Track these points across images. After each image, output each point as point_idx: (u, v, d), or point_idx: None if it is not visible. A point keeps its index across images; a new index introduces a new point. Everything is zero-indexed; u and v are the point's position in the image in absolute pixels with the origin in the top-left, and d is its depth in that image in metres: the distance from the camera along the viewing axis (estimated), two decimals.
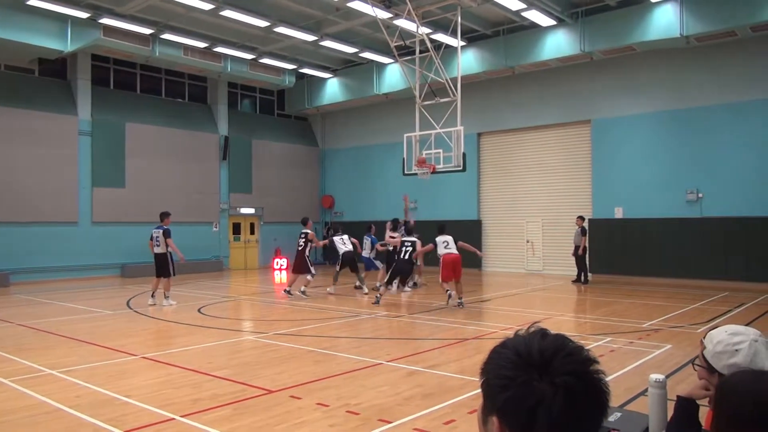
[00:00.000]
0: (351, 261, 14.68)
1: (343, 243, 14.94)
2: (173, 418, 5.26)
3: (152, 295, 13.01)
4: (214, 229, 23.00)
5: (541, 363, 1.03)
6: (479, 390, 1.10)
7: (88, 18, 17.20)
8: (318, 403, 5.66)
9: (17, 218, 17.87)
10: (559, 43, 17.99)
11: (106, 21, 17.38)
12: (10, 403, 5.83)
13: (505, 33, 19.10)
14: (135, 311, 12.22)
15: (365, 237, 16.10)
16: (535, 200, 20.47)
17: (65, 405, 5.67)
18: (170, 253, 12.83)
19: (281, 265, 23.50)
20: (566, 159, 19.87)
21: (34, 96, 18.79)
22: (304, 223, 14.74)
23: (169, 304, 12.74)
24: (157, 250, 12.82)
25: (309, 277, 14.11)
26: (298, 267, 14.19)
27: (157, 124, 21.42)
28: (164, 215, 13.10)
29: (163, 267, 12.75)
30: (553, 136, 20.21)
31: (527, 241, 20.65)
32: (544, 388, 1.00)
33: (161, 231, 12.86)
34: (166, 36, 18.82)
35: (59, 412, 5.51)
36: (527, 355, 1.05)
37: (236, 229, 24.09)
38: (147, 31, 18.31)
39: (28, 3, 15.99)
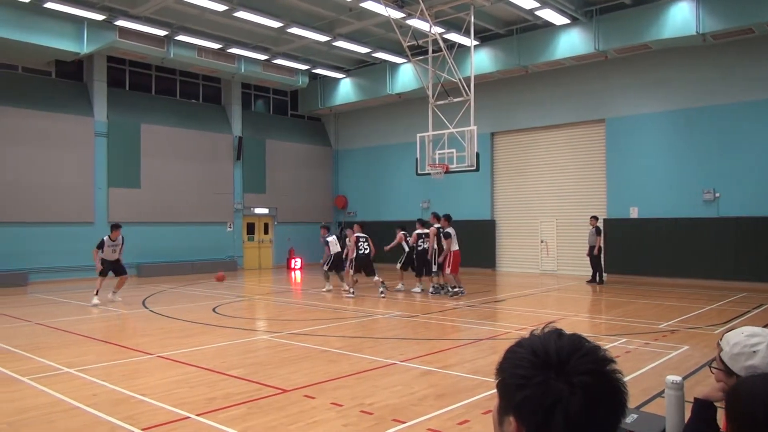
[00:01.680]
0: (338, 262, 15.13)
1: (335, 244, 15.18)
2: (188, 417, 5.29)
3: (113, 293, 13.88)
4: (228, 229, 23.13)
5: (557, 362, 1.03)
6: (494, 390, 1.10)
7: (103, 20, 17.37)
8: (332, 403, 5.67)
9: (34, 218, 18.09)
10: (573, 42, 17.87)
11: (121, 23, 17.56)
12: (28, 401, 5.91)
13: (519, 32, 19.02)
14: (150, 311, 12.33)
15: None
16: (549, 200, 20.36)
17: (82, 403, 5.72)
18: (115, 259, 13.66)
19: (295, 265, 23.60)
20: (580, 158, 19.73)
21: (51, 98, 19.02)
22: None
23: (93, 303, 13.08)
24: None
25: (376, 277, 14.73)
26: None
27: (172, 125, 21.59)
28: (112, 227, 13.92)
29: None
30: (567, 135, 20.09)
31: (541, 241, 20.55)
32: (561, 387, 1.00)
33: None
34: (181, 37, 18.97)
35: (76, 410, 5.56)
36: (544, 355, 1.04)
37: (250, 229, 24.21)
38: (161, 32, 18.46)
39: (45, 6, 16.19)
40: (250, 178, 23.89)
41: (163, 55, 19.35)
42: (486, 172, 20.56)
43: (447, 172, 16.03)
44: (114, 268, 13.65)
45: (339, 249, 15.13)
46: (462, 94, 16.21)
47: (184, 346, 8.54)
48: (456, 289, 14.04)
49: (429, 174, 16.49)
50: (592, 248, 17.08)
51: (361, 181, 25.99)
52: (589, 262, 17.37)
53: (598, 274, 17.10)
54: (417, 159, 16.79)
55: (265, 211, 24.41)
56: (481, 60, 19.37)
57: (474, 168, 15.69)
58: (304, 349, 8.27)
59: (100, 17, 17.15)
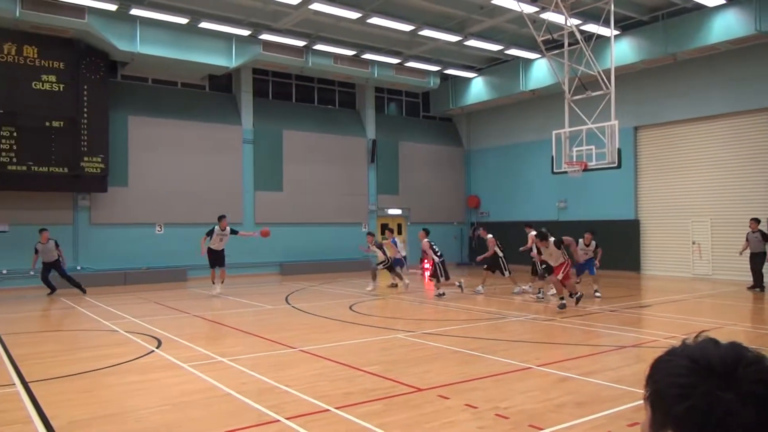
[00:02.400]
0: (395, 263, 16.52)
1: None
2: (328, 410, 5.51)
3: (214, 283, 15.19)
4: (363, 229, 23.83)
5: (723, 371, 0.95)
6: (640, 402, 1.02)
7: (249, 35, 18.72)
8: (466, 404, 5.63)
9: (192, 219, 19.85)
10: (729, 24, 16.28)
11: (265, 37, 18.83)
12: (189, 385, 6.50)
13: (665, 17, 17.68)
14: (293, 307, 13.04)
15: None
16: (703, 198, 18.69)
17: (234, 390, 6.19)
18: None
19: (426, 268, 23.73)
20: (740, 152, 17.89)
21: (205, 109, 20.86)
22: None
23: (215, 292, 14.92)
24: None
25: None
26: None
27: (311, 131, 22.72)
28: (219, 218, 15.22)
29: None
30: (723, 127, 18.31)
31: (693, 243, 18.92)
32: (730, 397, 0.92)
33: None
34: (318, 47, 19.90)
35: (229, 396, 6.03)
36: (705, 363, 0.97)
37: (384, 229, 24.72)
38: (301, 43, 19.50)
39: (200, 26, 17.76)
40: (384, 179, 24.46)
41: (302, 65, 20.44)
42: (629, 169, 19.35)
43: (585, 169, 15.31)
44: (218, 258, 15.06)
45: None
46: (601, 87, 15.39)
47: (323, 342, 8.92)
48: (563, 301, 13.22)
49: (566, 172, 15.86)
50: (758, 255, 15.17)
51: (493, 181, 25.60)
52: (749, 266, 15.57)
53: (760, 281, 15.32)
54: (553, 157, 16.21)
55: (398, 211, 24.86)
56: (623, 50, 18.26)
57: (615, 165, 14.83)
58: (438, 349, 8.30)
59: (246, 33, 18.49)
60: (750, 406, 0.91)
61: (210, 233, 14.91)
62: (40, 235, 15.32)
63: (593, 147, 15.16)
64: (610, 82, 15.10)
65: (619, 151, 14.77)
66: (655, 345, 8.52)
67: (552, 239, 12.40)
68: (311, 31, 19.05)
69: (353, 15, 17.09)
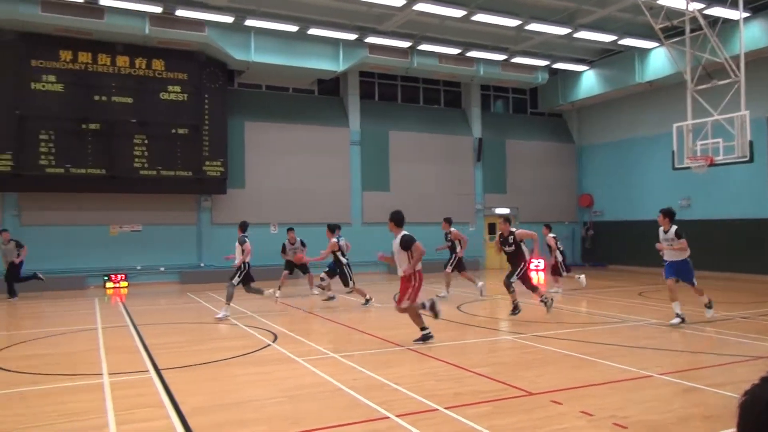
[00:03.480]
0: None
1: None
2: (437, 409, 5.51)
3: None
4: (470, 229, 23.61)
5: None
6: None
7: (355, 39, 19.15)
8: (581, 411, 5.41)
9: (304, 219, 20.63)
10: None
11: (370, 40, 19.19)
12: (304, 379, 6.76)
13: None
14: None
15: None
16: None
17: (345, 385, 6.35)
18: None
19: (537, 266, 23.08)
20: None
21: (314, 112, 21.62)
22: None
23: (276, 296, 13.87)
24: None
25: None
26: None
27: (417, 131, 22.87)
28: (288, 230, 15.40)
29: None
30: None
31: None
32: None
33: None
34: (423, 47, 19.99)
35: (340, 391, 6.20)
36: None
37: (491, 229, 24.37)
38: (405, 44, 19.68)
39: (309, 32, 18.42)
40: (491, 178, 24.11)
41: (407, 66, 20.62)
42: (762, 163, 17.69)
43: (711, 164, 14.22)
44: (298, 267, 14.79)
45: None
46: (729, 75, 14.23)
47: (431, 341, 8.93)
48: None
49: (688, 168, 14.81)
50: None
51: (607, 178, 24.44)
52: None
53: None
54: (673, 151, 15.21)
55: (506, 210, 24.32)
56: (754, 33, 16.76)
57: (747, 159, 13.66)
58: (550, 353, 8.05)
59: (353, 37, 18.94)
60: None
61: (283, 250, 14.96)
62: (1, 236, 14.97)
63: (720, 140, 14.06)
64: (739, 70, 13.93)
65: (751, 143, 13.59)
66: None
67: (403, 233, 9.02)
68: (416, 32, 19.15)
69: (458, 13, 16.98)
